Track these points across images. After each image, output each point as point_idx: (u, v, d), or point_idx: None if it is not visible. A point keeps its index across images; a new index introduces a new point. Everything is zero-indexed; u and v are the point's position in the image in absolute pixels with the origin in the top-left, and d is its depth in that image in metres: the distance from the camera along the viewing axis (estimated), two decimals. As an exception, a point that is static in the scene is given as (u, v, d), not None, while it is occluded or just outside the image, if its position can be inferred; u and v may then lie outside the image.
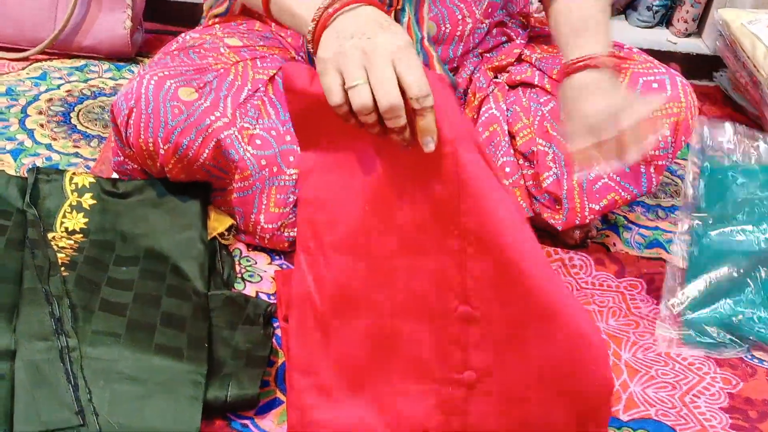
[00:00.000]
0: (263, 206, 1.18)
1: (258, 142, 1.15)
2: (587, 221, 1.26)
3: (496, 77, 1.31)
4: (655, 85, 1.20)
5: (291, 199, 1.18)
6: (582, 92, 1.08)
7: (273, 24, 1.31)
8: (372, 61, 0.80)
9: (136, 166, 1.22)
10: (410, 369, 0.89)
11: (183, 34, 1.27)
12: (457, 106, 0.84)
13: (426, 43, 1.20)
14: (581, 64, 1.09)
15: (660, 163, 1.22)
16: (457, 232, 0.83)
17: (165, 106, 1.11)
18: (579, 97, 1.08)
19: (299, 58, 1.26)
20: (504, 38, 1.33)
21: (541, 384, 0.88)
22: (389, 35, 0.82)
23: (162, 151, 1.13)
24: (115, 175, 1.27)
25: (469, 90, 1.30)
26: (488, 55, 1.32)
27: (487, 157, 0.85)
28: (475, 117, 1.28)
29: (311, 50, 0.87)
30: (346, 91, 0.81)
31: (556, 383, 0.88)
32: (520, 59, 1.31)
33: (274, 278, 1.19)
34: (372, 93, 0.80)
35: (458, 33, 1.24)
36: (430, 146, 0.80)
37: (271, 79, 1.20)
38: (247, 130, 1.14)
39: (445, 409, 0.90)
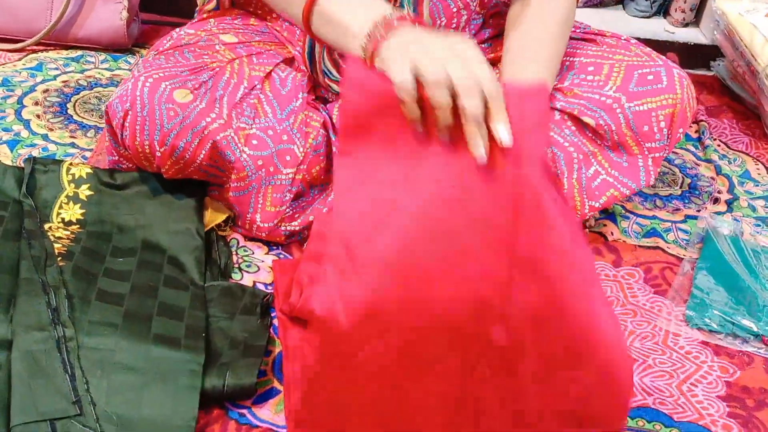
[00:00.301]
0: (259, 206, 1.17)
1: (254, 142, 1.14)
2: (587, 218, 1.27)
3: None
4: (650, 77, 1.20)
5: (287, 198, 1.17)
6: None
7: (268, 18, 1.30)
8: (451, 46, 0.79)
9: (131, 165, 1.22)
10: (429, 384, 0.87)
11: (177, 30, 1.26)
12: (540, 122, 0.81)
13: None
14: None
15: (657, 155, 1.22)
16: (507, 261, 0.80)
17: (160, 108, 1.10)
18: None
19: (296, 52, 1.26)
20: (501, 30, 1.32)
21: (558, 410, 0.88)
22: (458, 37, 0.83)
23: (158, 154, 1.13)
24: (111, 166, 1.26)
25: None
26: (485, 46, 1.31)
27: (552, 174, 0.82)
28: None
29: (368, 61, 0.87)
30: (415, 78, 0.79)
31: (572, 412, 0.88)
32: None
33: (271, 268, 1.19)
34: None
35: (453, 25, 1.24)
36: (503, 135, 0.77)
37: (268, 75, 1.20)
38: (244, 130, 1.13)
39: (457, 413, 0.89)
